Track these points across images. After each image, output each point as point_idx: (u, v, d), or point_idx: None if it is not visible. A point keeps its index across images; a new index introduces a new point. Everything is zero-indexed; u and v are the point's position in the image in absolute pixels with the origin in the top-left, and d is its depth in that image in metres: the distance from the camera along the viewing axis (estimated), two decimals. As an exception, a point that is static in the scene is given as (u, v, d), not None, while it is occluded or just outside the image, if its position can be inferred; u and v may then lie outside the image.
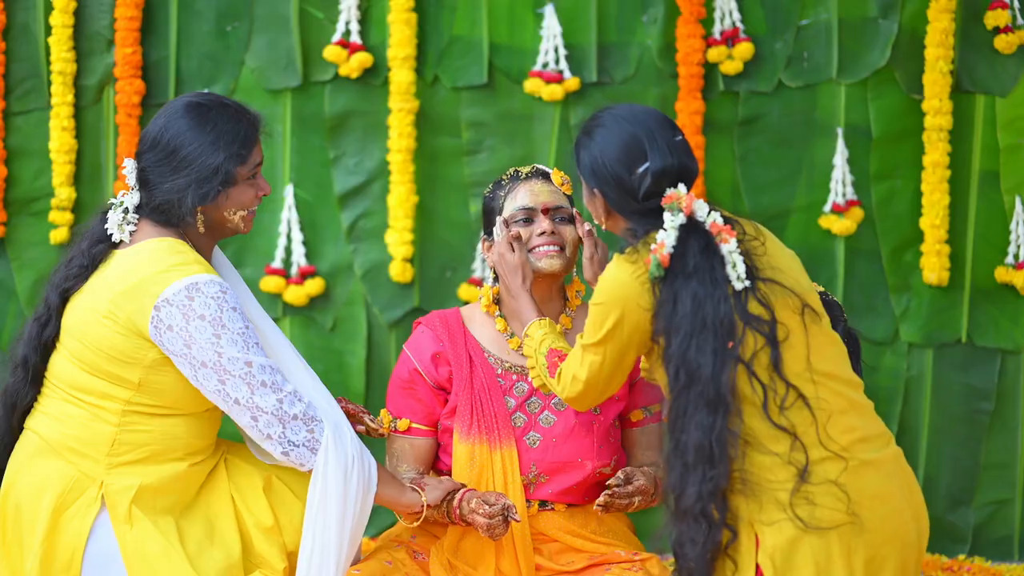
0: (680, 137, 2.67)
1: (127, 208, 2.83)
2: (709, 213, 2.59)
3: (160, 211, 2.81)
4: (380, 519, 4.31)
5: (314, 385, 2.87)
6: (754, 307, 2.55)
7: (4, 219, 4.37)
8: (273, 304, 4.38)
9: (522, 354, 3.07)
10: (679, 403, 2.52)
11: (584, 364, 2.67)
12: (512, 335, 3.09)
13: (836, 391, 2.57)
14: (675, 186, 2.62)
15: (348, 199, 4.39)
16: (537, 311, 2.94)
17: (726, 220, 2.61)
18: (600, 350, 2.64)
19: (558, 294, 3.10)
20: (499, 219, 3.04)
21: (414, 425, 3.07)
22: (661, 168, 2.62)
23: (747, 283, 2.56)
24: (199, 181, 2.78)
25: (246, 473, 2.89)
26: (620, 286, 2.59)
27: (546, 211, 3.03)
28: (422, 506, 2.90)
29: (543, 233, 3.00)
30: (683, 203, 2.58)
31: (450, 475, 3.06)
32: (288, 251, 4.40)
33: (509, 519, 2.86)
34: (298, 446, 2.74)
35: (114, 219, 2.82)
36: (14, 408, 2.85)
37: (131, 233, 2.82)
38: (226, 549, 2.80)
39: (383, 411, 3.08)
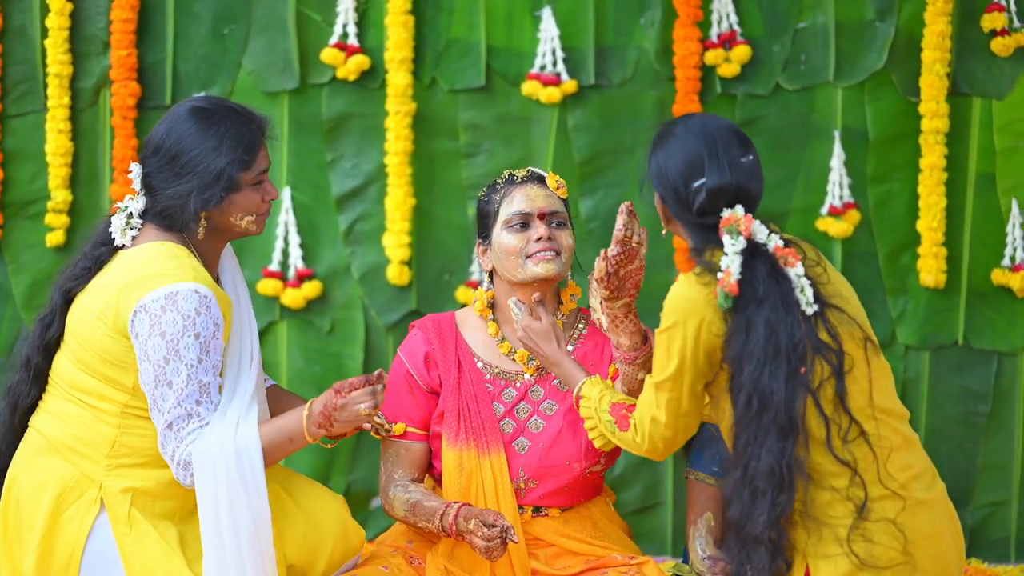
0: (749, 157, 2.61)
1: (131, 212, 2.83)
2: (769, 235, 2.55)
3: (164, 216, 2.81)
4: (377, 523, 4.30)
5: (237, 405, 2.78)
6: (822, 335, 2.51)
7: (0, 222, 4.37)
8: (270, 307, 4.37)
9: (512, 359, 3.06)
10: (749, 430, 2.48)
11: (662, 405, 2.59)
12: (503, 339, 3.08)
13: (893, 427, 2.56)
14: (732, 206, 2.57)
15: (345, 202, 4.38)
16: (584, 371, 2.90)
17: (786, 243, 2.56)
18: (675, 384, 2.57)
19: (553, 298, 3.09)
20: (513, 300, 3.00)
21: (409, 429, 3.06)
22: (717, 186, 2.57)
23: (816, 308, 2.52)
24: (201, 187, 2.77)
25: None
26: (692, 304, 2.54)
27: (542, 216, 3.03)
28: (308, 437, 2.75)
29: (540, 239, 3.00)
30: (741, 225, 2.52)
31: (440, 480, 3.06)
32: (285, 254, 4.38)
33: (507, 540, 2.82)
34: (189, 486, 2.74)
35: (117, 223, 2.82)
36: (16, 407, 2.86)
37: (134, 237, 2.83)
38: (225, 557, 2.81)
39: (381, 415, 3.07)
